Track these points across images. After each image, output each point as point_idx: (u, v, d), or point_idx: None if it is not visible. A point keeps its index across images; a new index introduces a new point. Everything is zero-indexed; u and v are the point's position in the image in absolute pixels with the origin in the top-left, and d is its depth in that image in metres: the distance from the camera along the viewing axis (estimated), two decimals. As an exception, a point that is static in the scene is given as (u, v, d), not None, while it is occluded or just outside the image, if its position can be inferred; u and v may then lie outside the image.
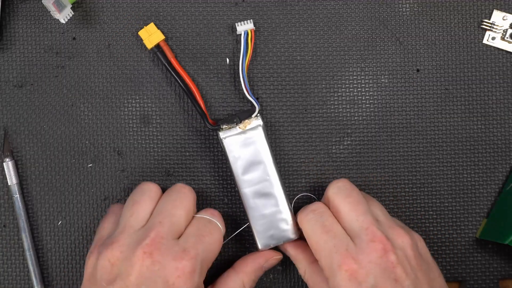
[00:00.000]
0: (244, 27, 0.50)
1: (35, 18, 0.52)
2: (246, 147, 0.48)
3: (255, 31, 0.51)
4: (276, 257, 0.50)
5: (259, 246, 0.49)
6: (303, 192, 0.52)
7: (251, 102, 0.50)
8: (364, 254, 0.43)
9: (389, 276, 0.42)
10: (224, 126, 0.49)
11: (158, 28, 0.51)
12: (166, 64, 0.50)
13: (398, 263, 0.43)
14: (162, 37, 0.50)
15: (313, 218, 0.47)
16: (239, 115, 0.49)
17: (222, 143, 0.48)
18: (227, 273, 0.49)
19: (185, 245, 0.44)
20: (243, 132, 0.48)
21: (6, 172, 0.51)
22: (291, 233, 0.49)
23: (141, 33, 0.50)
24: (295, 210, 0.49)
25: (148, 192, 0.47)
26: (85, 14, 0.52)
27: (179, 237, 0.45)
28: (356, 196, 0.46)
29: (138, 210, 0.45)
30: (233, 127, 0.48)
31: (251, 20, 0.50)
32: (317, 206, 0.48)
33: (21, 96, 0.52)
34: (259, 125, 0.48)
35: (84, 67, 0.52)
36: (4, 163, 0.51)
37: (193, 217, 0.47)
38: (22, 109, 0.52)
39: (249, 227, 0.49)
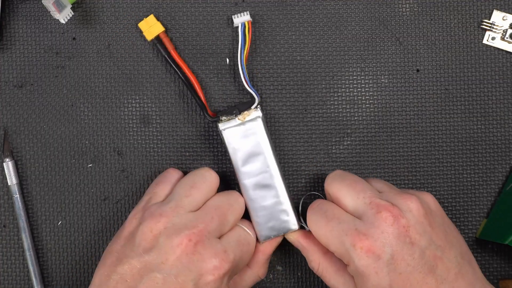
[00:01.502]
0: (241, 19, 0.50)
1: (35, 18, 0.52)
2: (246, 138, 0.48)
3: (252, 24, 0.51)
4: (279, 240, 0.49)
5: (260, 238, 0.48)
6: (303, 192, 0.52)
7: (251, 94, 0.50)
8: (374, 227, 0.42)
9: (404, 241, 0.42)
10: (224, 118, 0.48)
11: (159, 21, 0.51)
12: (166, 55, 0.50)
13: (409, 225, 0.42)
14: (162, 28, 0.50)
15: (313, 214, 0.47)
16: (239, 107, 0.49)
17: (222, 134, 0.48)
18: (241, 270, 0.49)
19: (226, 246, 0.44)
20: (243, 123, 0.48)
21: (6, 172, 0.51)
22: (291, 224, 0.48)
23: (141, 24, 0.50)
24: (304, 210, 0.49)
25: (209, 181, 0.47)
26: (85, 14, 0.52)
27: (220, 237, 0.45)
28: (351, 177, 0.46)
29: (195, 195, 0.46)
30: (232, 118, 0.48)
31: (248, 12, 0.50)
32: (314, 202, 0.48)
33: (21, 96, 0.52)
34: (258, 117, 0.48)
35: (84, 67, 0.52)
36: (4, 163, 0.51)
37: (236, 225, 0.47)
38: (22, 109, 0.52)
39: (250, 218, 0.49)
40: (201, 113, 0.52)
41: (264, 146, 0.48)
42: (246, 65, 0.50)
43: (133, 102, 0.52)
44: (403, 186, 0.52)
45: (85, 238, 0.52)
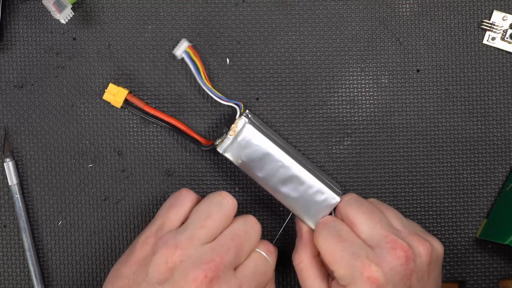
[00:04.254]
0: (181, 49, 0.48)
1: (35, 18, 0.52)
2: (247, 147, 0.48)
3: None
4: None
5: (313, 226, 0.48)
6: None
7: (231, 107, 0.49)
8: (385, 261, 0.43)
9: (405, 284, 0.43)
10: (218, 141, 0.48)
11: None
12: (142, 115, 0.51)
13: (414, 270, 0.43)
14: (126, 91, 0.50)
15: (324, 230, 0.46)
16: (226, 124, 0.49)
17: (225, 156, 0.48)
18: None
19: (242, 280, 0.43)
20: (236, 136, 0.48)
21: (6, 172, 0.51)
22: (331, 199, 0.48)
23: (106, 97, 0.50)
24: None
25: (226, 209, 0.45)
26: (85, 15, 0.52)
27: (236, 268, 0.44)
28: (368, 206, 0.46)
29: (211, 226, 0.44)
30: (225, 138, 0.48)
31: (183, 38, 0.48)
32: (327, 218, 0.47)
33: (21, 96, 0.52)
34: (245, 123, 0.48)
35: (84, 67, 0.52)
36: (4, 163, 0.51)
37: (254, 250, 0.46)
38: (22, 109, 0.52)
39: (292, 217, 0.49)
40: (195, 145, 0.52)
41: (266, 145, 0.48)
42: (211, 86, 0.49)
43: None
44: (403, 186, 0.52)
45: (85, 238, 0.52)
